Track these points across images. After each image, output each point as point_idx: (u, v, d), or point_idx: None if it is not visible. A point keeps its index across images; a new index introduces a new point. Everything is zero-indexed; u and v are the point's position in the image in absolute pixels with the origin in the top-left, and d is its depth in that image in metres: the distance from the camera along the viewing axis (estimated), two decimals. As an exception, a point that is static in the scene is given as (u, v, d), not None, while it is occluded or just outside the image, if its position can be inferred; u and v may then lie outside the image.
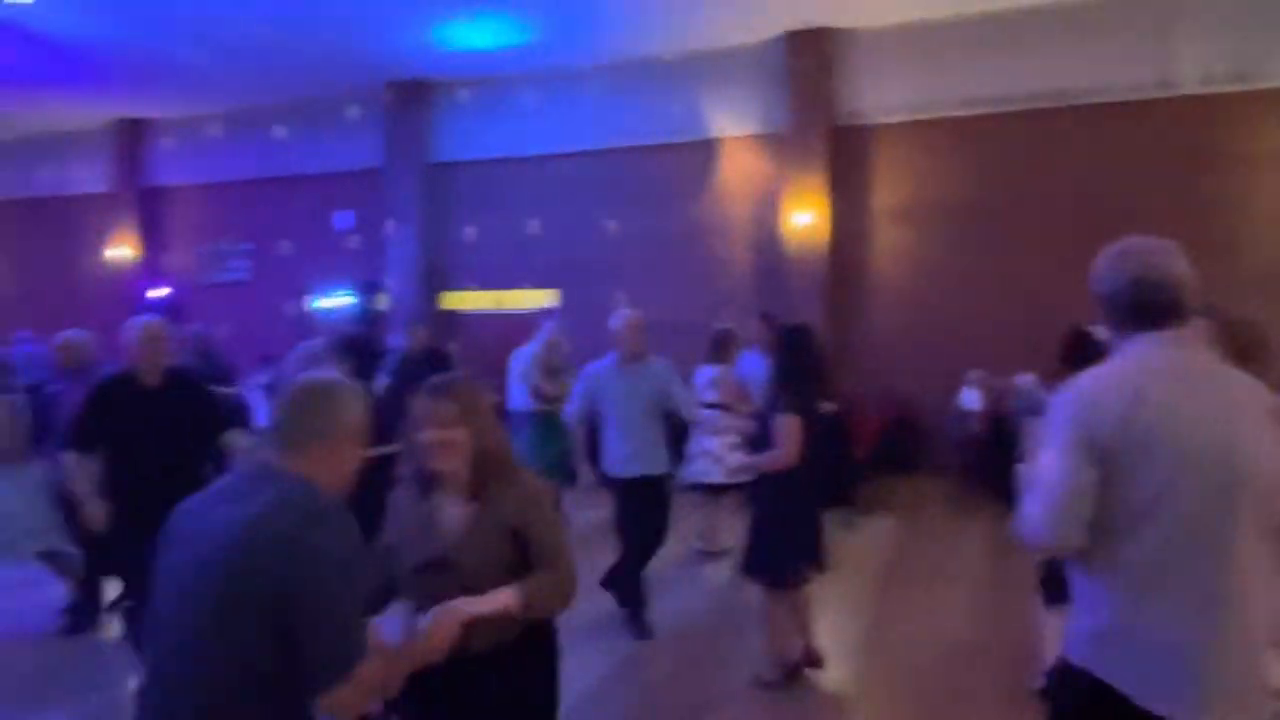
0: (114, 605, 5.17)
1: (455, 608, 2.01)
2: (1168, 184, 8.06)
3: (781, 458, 3.96)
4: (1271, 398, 1.88)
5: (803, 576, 4.17)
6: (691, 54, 9.78)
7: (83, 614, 5.11)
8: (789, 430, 3.95)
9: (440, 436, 2.14)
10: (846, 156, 9.28)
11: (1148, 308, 1.87)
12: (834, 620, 4.82)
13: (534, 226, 10.54)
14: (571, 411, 5.16)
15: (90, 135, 13.45)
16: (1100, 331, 2.91)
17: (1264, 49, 7.94)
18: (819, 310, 8.94)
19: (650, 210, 10.12)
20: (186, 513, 1.85)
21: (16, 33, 9.14)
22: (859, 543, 6.58)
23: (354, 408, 1.91)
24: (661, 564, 5.92)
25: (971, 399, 8.29)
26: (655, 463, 4.95)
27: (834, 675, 4.31)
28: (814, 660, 4.30)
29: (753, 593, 4.53)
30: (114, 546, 4.49)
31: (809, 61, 9.19)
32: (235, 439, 4.31)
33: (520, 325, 7.98)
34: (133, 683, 4.31)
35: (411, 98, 11.05)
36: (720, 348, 6.43)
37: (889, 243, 9.35)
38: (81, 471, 4.07)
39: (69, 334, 5.21)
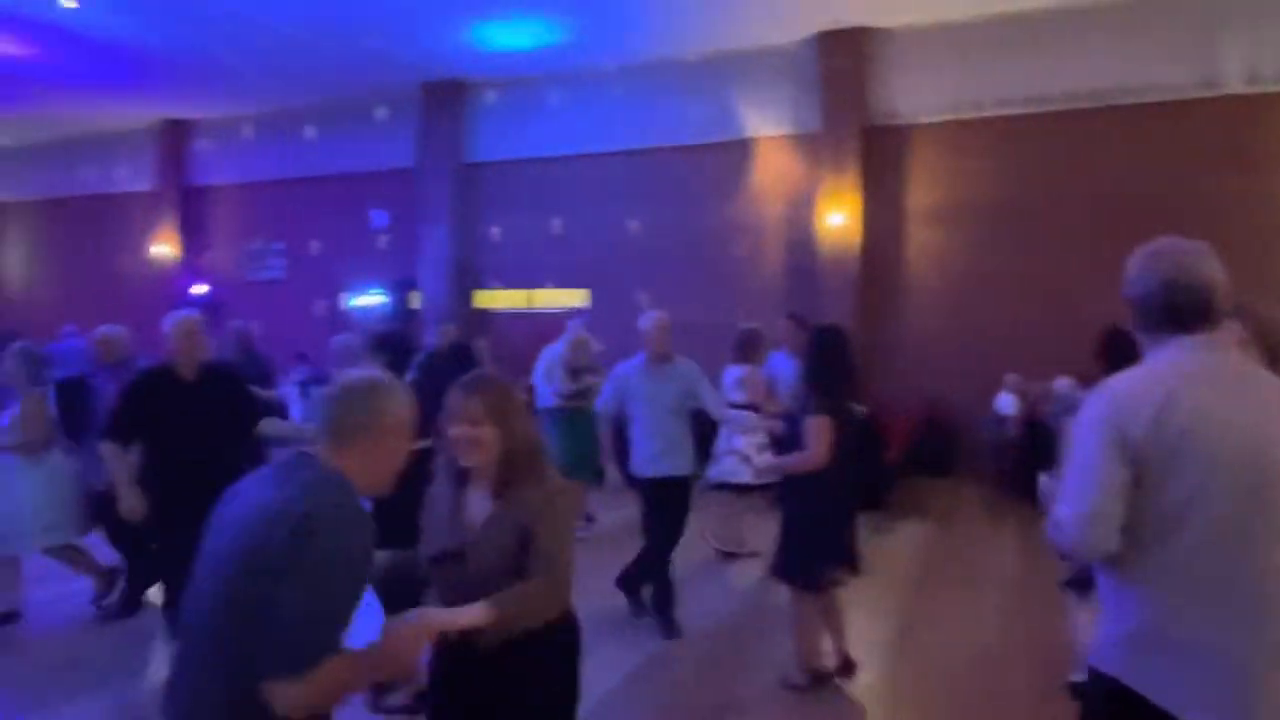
0: (141, 593, 5.28)
1: (422, 618, 1.94)
2: (1208, 185, 7.89)
3: (811, 459, 3.93)
4: None
5: (834, 579, 4.13)
6: (724, 54, 9.76)
7: (121, 602, 5.21)
8: (819, 431, 3.91)
9: (468, 433, 2.16)
10: (880, 157, 9.20)
11: (1179, 310, 1.84)
12: (864, 624, 4.77)
13: (565, 226, 10.60)
14: (600, 411, 5.19)
15: (135, 136, 13.76)
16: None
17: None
18: (851, 311, 8.88)
19: (682, 211, 10.12)
20: (227, 500, 1.88)
21: (65, 36, 9.36)
22: (890, 546, 6.52)
23: (399, 406, 1.92)
24: (687, 564, 5.92)
25: (1007, 403, 8.18)
26: (681, 462, 4.98)
27: (863, 679, 4.27)
28: (847, 668, 4.23)
29: (781, 594, 4.50)
30: (151, 536, 4.59)
31: (842, 61, 9.12)
32: (269, 427, 4.38)
33: (551, 324, 8.02)
34: (165, 670, 4.42)
35: (445, 98, 11.14)
36: (747, 348, 6.40)
37: (922, 244, 9.25)
38: (119, 463, 4.16)
39: (107, 329, 5.33)
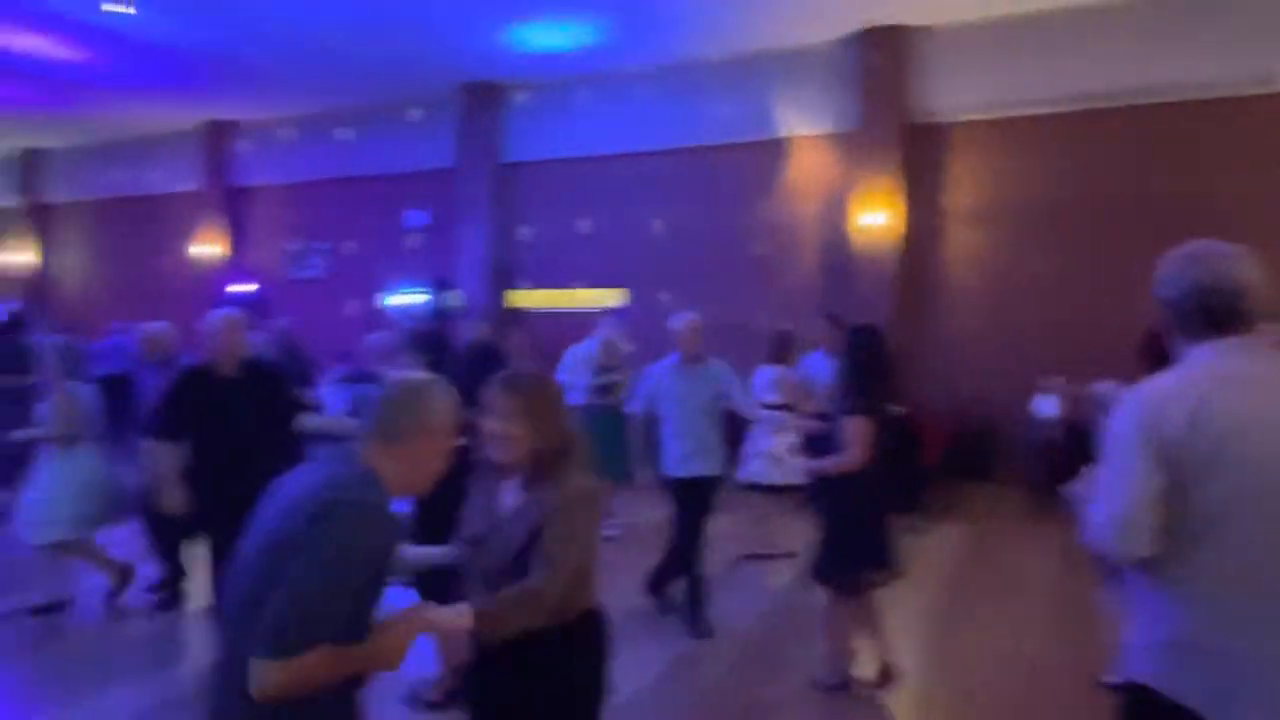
0: (161, 587, 5.39)
1: (411, 615, 1.93)
2: (1259, 185, 7.67)
3: (851, 460, 3.89)
4: None
5: (872, 582, 4.08)
6: (761, 53, 9.71)
7: (163, 596, 5.34)
8: (858, 432, 3.87)
9: (500, 429, 2.18)
10: (919, 155, 9.08)
11: (1213, 313, 1.82)
12: (898, 627, 4.71)
13: (601, 226, 10.63)
14: (632, 411, 5.21)
15: (181, 137, 14.07)
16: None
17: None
18: (888, 311, 8.78)
19: (718, 210, 10.09)
20: (270, 492, 1.93)
21: (117, 40, 9.61)
22: (926, 550, 6.44)
23: (444, 409, 1.96)
24: (718, 565, 5.91)
25: (1048, 405, 8.03)
26: (712, 463, 4.99)
27: (896, 683, 4.23)
28: (889, 676, 4.15)
29: (813, 595, 4.47)
30: (192, 531, 4.70)
31: (882, 59, 9.02)
32: (310, 423, 4.45)
33: (586, 324, 8.03)
34: (203, 661, 4.51)
35: (483, 99, 11.23)
36: (780, 348, 6.38)
37: (961, 243, 9.12)
38: (163, 458, 4.26)
39: (152, 326, 5.45)
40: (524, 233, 11.16)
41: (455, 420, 2.00)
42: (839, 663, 4.20)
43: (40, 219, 16.44)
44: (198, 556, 5.01)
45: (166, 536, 5.27)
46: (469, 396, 2.27)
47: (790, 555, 6.23)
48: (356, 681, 1.90)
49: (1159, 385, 1.84)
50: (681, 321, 4.95)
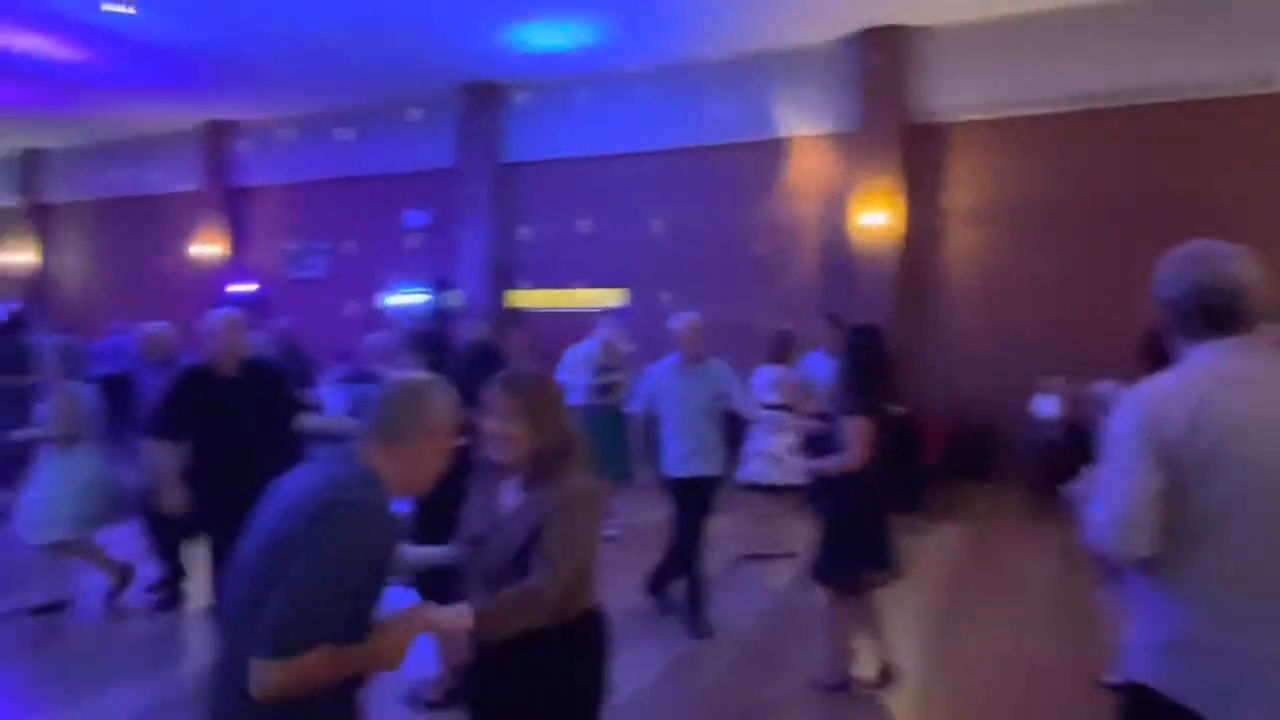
0: (161, 587, 5.39)
1: (410, 615, 1.92)
2: (1260, 185, 7.67)
3: (851, 461, 3.89)
4: None
5: (872, 582, 4.08)
6: (761, 53, 9.71)
7: (163, 595, 5.34)
8: (858, 432, 3.87)
9: (499, 429, 2.18)
10: (919, 155, 9.08)
11: (1213, 314, 1.82)
12: (898, 627, 4.71)
13: (601, 226, 10.63)
14: (632, 411, 5.22)
15: (181, 137, 14.07)
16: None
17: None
18: (888, 311, 8.78)
19: (718, 210, 10.09)
20: (271, 492, 1.93)
21: (116, 40, 9.61)
22: (926, 550, 6.44)
23: (444, 410, 1.97)
24: (718, 565, 5.91)
25: (1048, 406, 8.03)
26: (712, 463, 5.00)
27: (896, 683, 4.23)
28: (889, 677, 4.15)
29: (814, 596, 4.47)
30: (192, 531, 4.70)
31: (882, 59, 9.02)
32: (309, 422, 4.45)
33: (587, 324, 8.03)
34: (203, 661, 4.51)
35: (483, 100, 11.23)
36: (780, 349, 6.38)
37: (962, 243, 9.12)
38: (163, 458, 4.26)
39: (151, 326, 5.45)
40: (524, 233, 11.16)
41: (455, 420, 2.00)
42: (839, 663, 4.20)
43: (40, 219, 16.44)
44: (197, 556, 5.01)
45: (166, 536, 5.27)
46: (468, 396, 2.27)
47: (790, 555, 6.23)
48: (357, 681, 1.90)
49: (1159, 385, 1.84)
50: (682, 321, 4.95)
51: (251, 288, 13.24)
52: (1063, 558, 6.29)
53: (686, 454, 4.91)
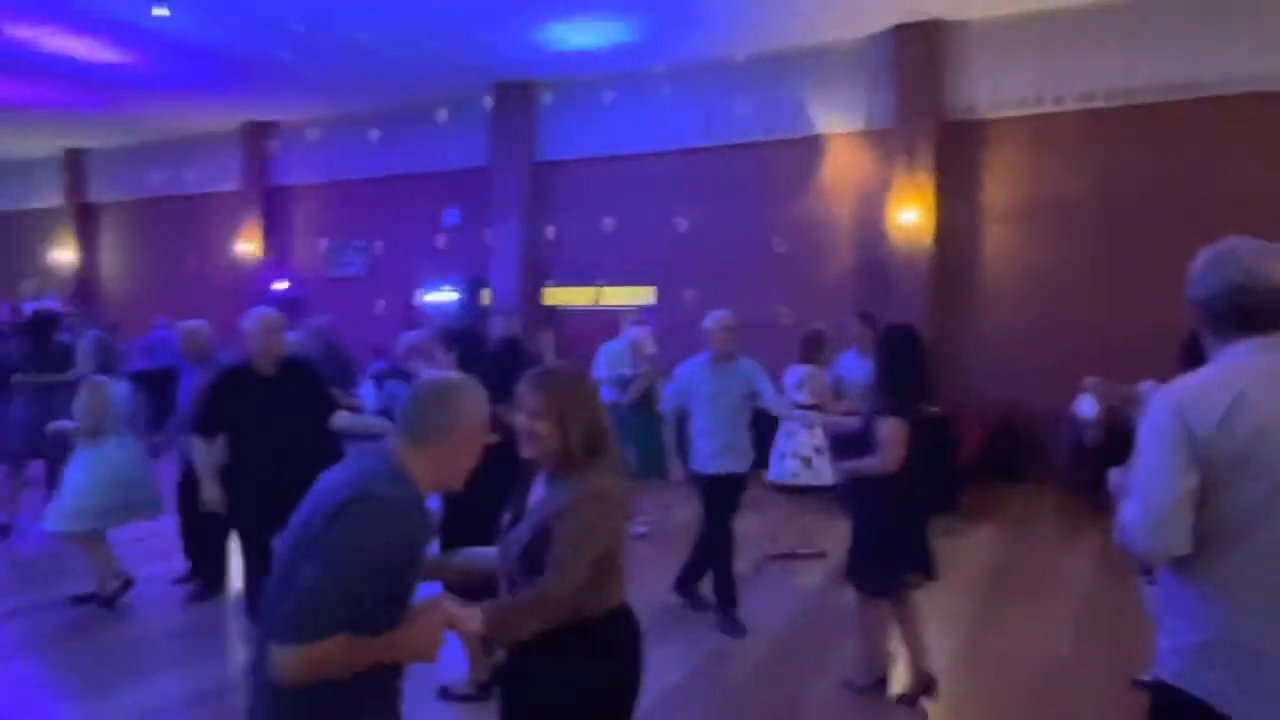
0: (196, 579, 5.48)
1: (430, 611, 1.90)
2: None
3: (887, 463, 3.84)
4: None
5: (908, 584, 4.03)
6: (796, 49, 9.65)
7: (206, 584, 5.44)
8: (893, 434, 3.82)
9: (527, 425, 2.19)
10: (955, 152, 8.97)
11: (1246, 312, 1.78)
12: (932, 630, 4.66)
13: (632, 224, 10.63)
14: (665, 409, 5.22)
15: (220, 138, 14.33)
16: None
17: None
18: (923, 310, 8.69)
19: (750, 209, 10.05)
20: (310, 491, 1.96)
21: (159, 42, 9.80)
22: (961, 551, 6.36)
23: (475, 409, 1.99)
24: (750, 564, 5.90)
25: (1088, 406, 7.89)
26: (741, 460, 5.01)
27: (934, 692, 4.18)
28: (927, 685, 4.04)
29: (845, 596, 4.44)
30: (230, 526, 4.78)
31: (917, 55, 8.93)
32: (341, 421, 4.50)
33: (620, 322, 8.04)
34: (238, 654, 4.59)
35: (516, 99, 11.29)
36: (811, 348, 6.34)
37: (999, 241, 9.00)
38: (203, 455, 4.33)
39: (189, 324, 5.52)
40: (557, 231, 11.19)
41: (484, 419, 2.02)
42: (871, 663, 4.16)
43: (84, 218, 16.82)
44: (233, 552, 5.10)
45: (203, 531, 5.35)
46: (494, 392, 2.29)
47: (819, 555, 6.20)
48: (395, 671, 1.93)
49: (1190, 384, 1.80)
50: (714, 320, 4.95)
51: (288, 286, 13.44)
52: (1099, 559, 6.19)
53: (716, 451, 4.91)
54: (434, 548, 2.10)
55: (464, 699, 3.98)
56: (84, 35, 9.68)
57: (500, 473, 3.02)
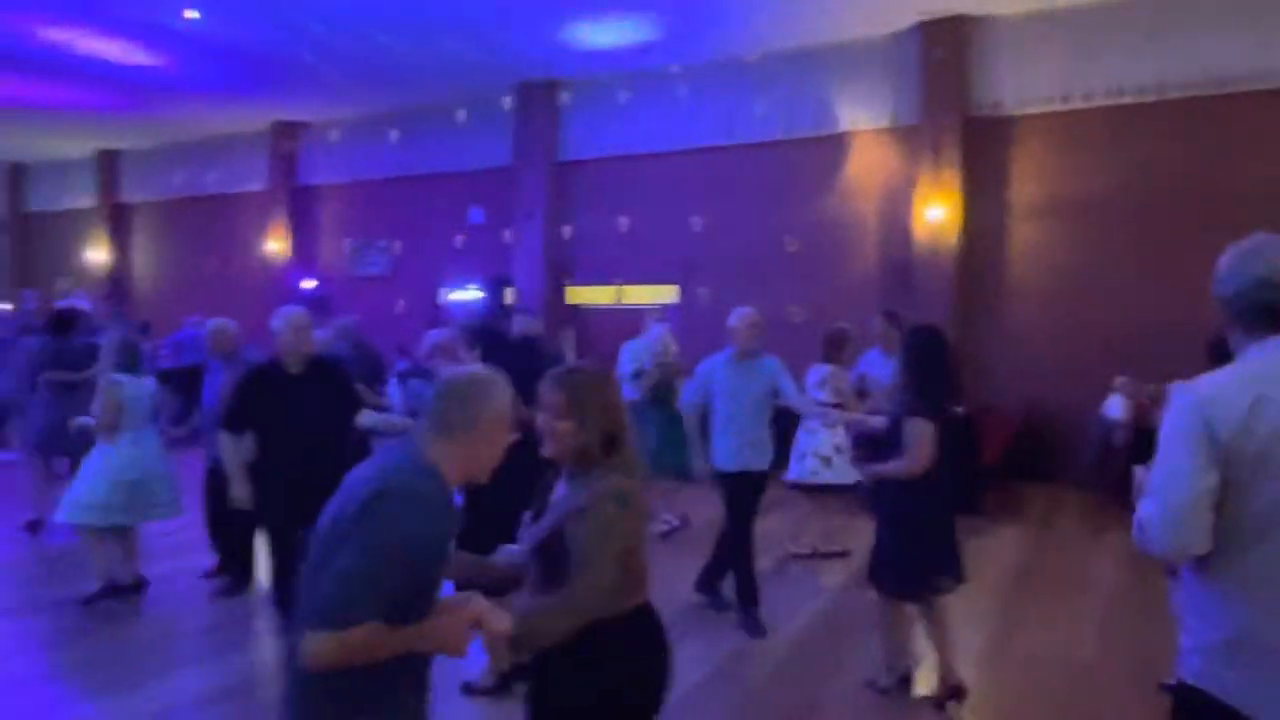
0: (223, 575, 5.55)
1: (457, 606, 1.91)
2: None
3: (914, 465, 3.80)
4: None
5: (936, 587, 3.96)
6: (820, 46, 9.61)
7: (234, 579, 5.52)
8: (920, 435, 3.77)
9: (547, 424, 2.20)
10: (982, 149, 8.89)
11: (1272, 310, 1.75)
12: (957, 630, 4.63)
13: (656, 223, 10.63)
14: (685, 405, 5.22)
15: (249, 138, 14.51)
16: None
17: None
18: (948, 309, 8.63)
19: (774, 207, 10.02)
20: (340, 486, 1.99)
21: (190, 45, 9.94)
22: (986, 551, 6.31)
23: (500, 404, 2.01)
24: (771, 563, 5.89)
25: (1116, 407, 7.79)
26: (763, 457, 5.00)
27: (963, 698, 4.14)
28: (958, 693, 3.96)
29: (868, 597, 4.41)
30: (257, 522, 4.84)
31: (943, 51, 8.85)
32: (366, 420, 4.55)
33: (643, 320, 8.05)
34: (265, 650, 4.65)
35: (540, 98, 11.33)
36: (833, 347, 6.31)
37: (1025, 239, 8.91)
38: (231, 452, 4.39)
39: (216, 322, 5.59)
40: (581, 229, 11.22)
41: (509, 414, 2.04)
42: (894, 664, 4.14)
43: (116, 218, 17.10)
44: (260, 548, 5.16)
45: (230, 528, 5.43)
46: (515, 391, 2.30)
47: (841, 555, 6.18)
48: (424, 661, 1.96)
49: (1213, 382, 1.78)
50: (739, 316, 4.94)
51: (313, 284, 13.57)
52: (1123, 559, 6.12)
53: (738, 448, 4.91)
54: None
55: (486, 693, 4.01)
56: (117, 38, 9.84)
57: (521, 471, 3.03)
